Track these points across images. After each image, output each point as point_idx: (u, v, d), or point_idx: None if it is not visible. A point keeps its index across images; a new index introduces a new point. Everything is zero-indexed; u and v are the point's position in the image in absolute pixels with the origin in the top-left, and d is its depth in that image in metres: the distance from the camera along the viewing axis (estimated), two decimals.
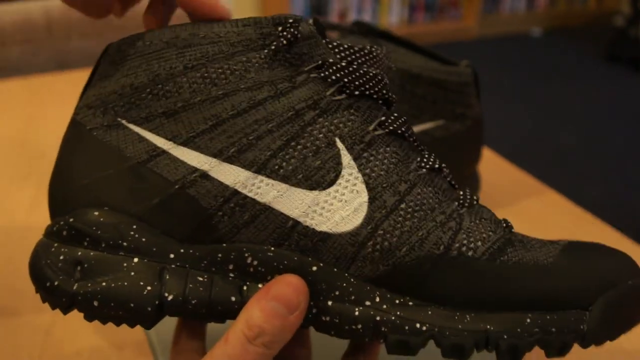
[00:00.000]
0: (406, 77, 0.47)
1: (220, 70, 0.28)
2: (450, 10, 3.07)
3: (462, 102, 0.49)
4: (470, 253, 0.28)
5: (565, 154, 1.96)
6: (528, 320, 0.28)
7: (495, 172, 0.63)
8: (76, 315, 0.42)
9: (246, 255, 0.28)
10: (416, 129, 0.48)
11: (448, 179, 0.31)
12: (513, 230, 0.31)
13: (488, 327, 0.28)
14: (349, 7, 2.86)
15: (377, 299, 0.28)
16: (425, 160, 0.30)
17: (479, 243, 0.29)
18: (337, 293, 0.28)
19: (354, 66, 0.29)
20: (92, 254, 0.28)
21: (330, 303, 0.28)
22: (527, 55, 2.84)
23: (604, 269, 0.29)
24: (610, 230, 0.55)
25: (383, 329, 0.28)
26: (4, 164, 0.63)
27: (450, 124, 0.49)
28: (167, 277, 0.28)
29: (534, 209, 0.57)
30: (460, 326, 0.28)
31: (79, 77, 0.86)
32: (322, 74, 0.29)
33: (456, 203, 0.30)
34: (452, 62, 0.50)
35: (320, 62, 0.29)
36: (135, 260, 0.28)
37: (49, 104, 0.77)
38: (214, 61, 0.28)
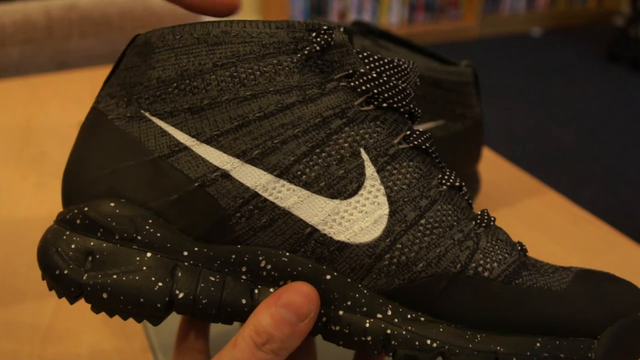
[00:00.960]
0: None
1: (250, 71, 0.28)
2: (450, 10, 3.07)
3: (462, 102, 0.49)
4: (486, 274, 0.28)
5: (565, 154, 1.96)
6: (538, 345, 0.28)
7: (495, 172, 0.63)
8: (76, 315, 0.42)
9: (260, 258, 0.28)
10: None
11: (466, 197, 0.31)
12: (527, 253, 0.31)
13: (498, 348, 0.28)
14: (349, 7, 2.86)
15: (389, 312, 0.28)
16: (446, 177, 0.30)
17: (495, 264, 0.29)
18: (348, 303, 0.28)
19: (384, 78, 0.29)
20: (104, 245, 0.27)
21: (341, 313, 0.28)
22: (527, 55, 2.84)
23: (615, 300, 0.29)
24: (610, 230, 0.55)
25: (393, 342, 0.28)
26: (4, 163, 0.63)
27: (450, 124, 0.49)
28: (179, 274, 0.28)
29: (534, 209, 0.57)
30: (470, 345, 0.28)
31: (79, 77, 0.86)
32: (352, 84, 0.29)
33: (474, 222, 0.30)
34: (452, 62, 0.50)
35: (350, 71, 0.29)
36: (149, 255, 0.28)
37: (49, 103, 0.77)
38: (244, 61, 0.28)
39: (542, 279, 0.29)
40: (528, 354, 0.28)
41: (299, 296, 0.27)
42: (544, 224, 0.55)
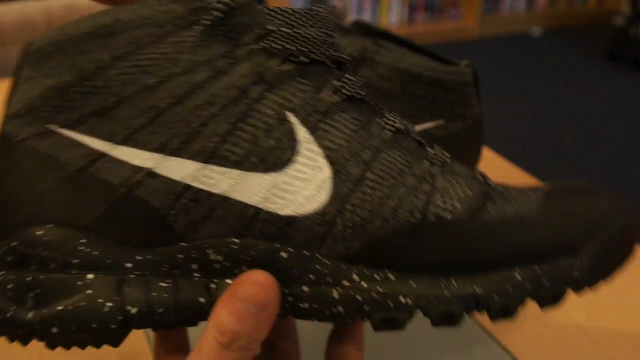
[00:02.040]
0: (406, 77, 0.47)
1: (151, 57, 0.25)
2: (450, 10, 3.07)
3: (462, 102, 0.49)
4: (449, 216, 0.27)
5: (565, 154, 1.96)
6: (518, 277, 0.27)
7: (495, 172, 0.63)
8: None
9: (209, 252, 0.26)
10: (416, 129, 0.48)
11: (417, 138, 0.29)
12: (491, 183, 0.29)
13: (477, 290, 0.26)
14: (349, 7, 2.86)
15: (356, 278, 0.27)
16: (388, 122, 0.28)
17: (457, 203, 0.27)
18: (312, 277, 0.27)
19: (297, 31, 0.27)
20: (42, 277, 0.26)
21: (306, 289, 0.27)
22: (527, 55, 2.84)
23: (590, 212, 0.28)
24: None
25: (366, 308, 0.26)
26: None
27: (450, 124, 0.49)
28: (127, 289, 0.26)
29: None
30: (447, 294, 0.26)
31: None
32: (264, 45, 0.26)
33: (427, 162, 0.28)
34: (452, 62, 0.50)
35: (260, 32, 0.26)
36: (90, 276, 0.26)
37: None
38: (144, 47, 0.25)
39: (511, 208, 0.28)
40: (509, 289, 0.26)
41: (254, 287, 0.25)
42: None
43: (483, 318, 0.44)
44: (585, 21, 3.34)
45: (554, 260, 0.27)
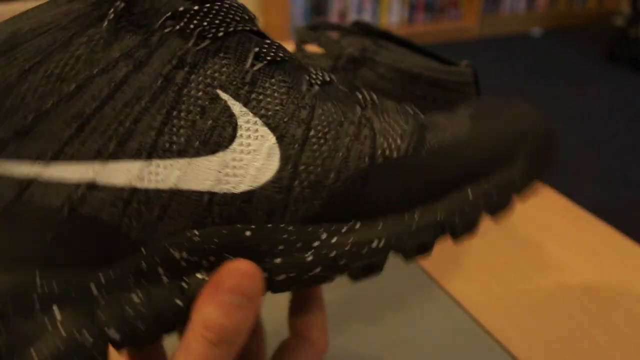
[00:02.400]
0: (406, 77, 0.47)
1: (63, 62, 0.24)
2: (450, 10, 3.07)
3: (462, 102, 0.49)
4: (394, 154, 0.27)
5: (565, 154, 1.96)
6: (470, 196, 0.28)
7: None
8: None
9: (172, 251, 0.25)
10: None
11: (343, 86, 0.29)
12: (419, 112, 0.30)
13: (438, 216, 0.27)
14: (349, 7, 2.86)
15: (324, 236, 0.26)
16: (314, 76, 0.28)
17: (398, 140, 0.28)
18: (281, 248, 0.26)
19: (207, 6, 0.26)
20: (3, 329, 0.23)
21: (278, 261, 0.26)
22: (527, 55, 2.84)
23: (517, 122, 0.30)
24: (610, 230, 0.55)
25: (342, 262, 0.26)
26: None
27: None
28: (100, 313, 0.24)
29: (533, 209, 0.57)
30: (413, 227, 0.27)
31: None
32: (177, 27, 0.25)
33: (359, 107, 0.28)
34: (452, 62, 0.50)
35: (169, 13, 0.25)
36: (57, 312, 0.24)
37: None
38: (52, 54, 0.24)
39: (446, 134, 0.29)
40: (466, 207, 0.28)
41: (239, 277, 0.24)
42: (543, 224, 0.55)
43: (482, 316, 0.44)
44: (585, 21, 3.33)
45: (497, 172, 0.29)
